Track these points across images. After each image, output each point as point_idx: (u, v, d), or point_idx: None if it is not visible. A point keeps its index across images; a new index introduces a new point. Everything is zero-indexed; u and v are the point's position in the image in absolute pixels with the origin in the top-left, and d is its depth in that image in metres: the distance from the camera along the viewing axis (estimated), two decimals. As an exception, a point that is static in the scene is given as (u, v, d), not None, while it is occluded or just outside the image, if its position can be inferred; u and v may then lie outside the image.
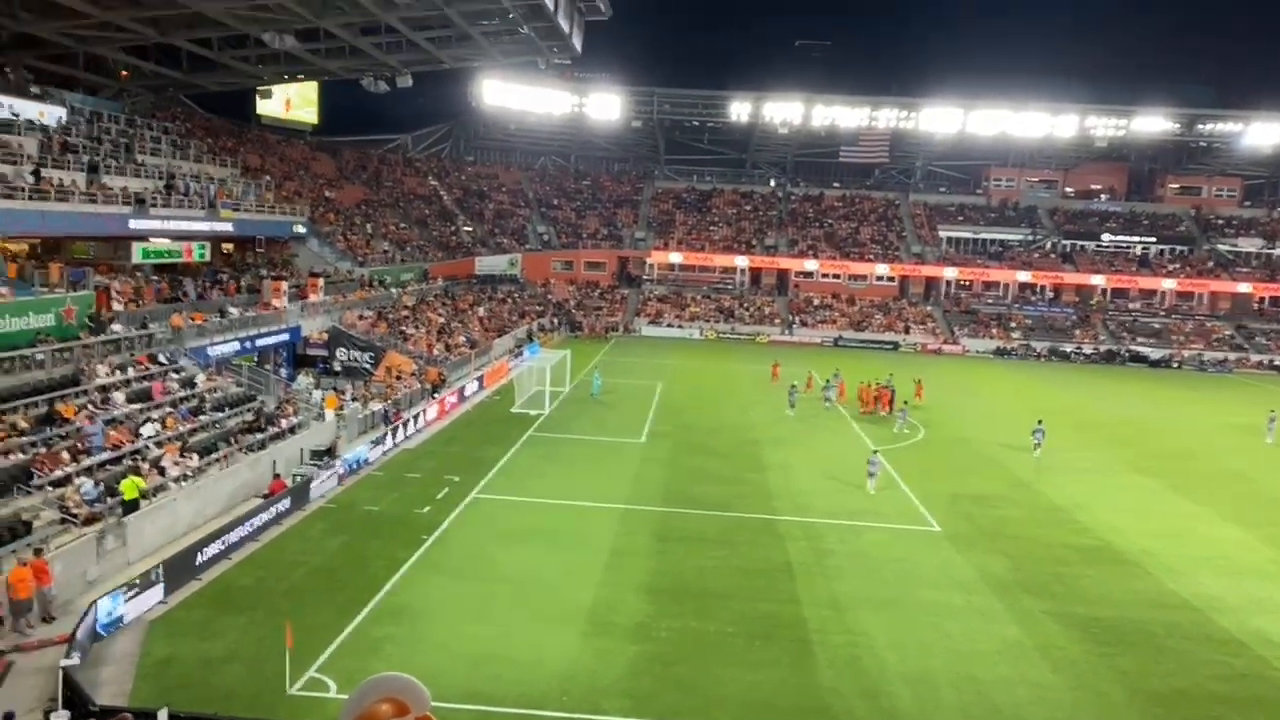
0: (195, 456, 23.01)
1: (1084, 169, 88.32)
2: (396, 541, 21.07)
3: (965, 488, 28.66)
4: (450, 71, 55.98)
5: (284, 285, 38.25)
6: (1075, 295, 76.98)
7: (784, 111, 79.76)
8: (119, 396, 24.18)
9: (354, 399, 33.30)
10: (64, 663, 13.14)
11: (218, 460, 23.75)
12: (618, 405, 39.73)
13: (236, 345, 32.90)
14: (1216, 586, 20.74)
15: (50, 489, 19.01)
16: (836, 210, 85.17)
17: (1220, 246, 79.48)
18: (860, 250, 78.65)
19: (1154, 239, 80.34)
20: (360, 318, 42.57)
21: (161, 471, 21.53)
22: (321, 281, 41.98)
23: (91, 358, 24.95)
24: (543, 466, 28.90)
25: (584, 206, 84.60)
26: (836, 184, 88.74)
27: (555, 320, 67.52)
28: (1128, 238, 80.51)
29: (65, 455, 20.28)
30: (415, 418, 32.74)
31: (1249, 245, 79.23)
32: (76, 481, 19.43)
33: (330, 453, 27.33)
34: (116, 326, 27.24)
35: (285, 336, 37.31)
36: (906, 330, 70.77)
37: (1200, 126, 79.96)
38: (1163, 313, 74.92)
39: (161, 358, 27.66)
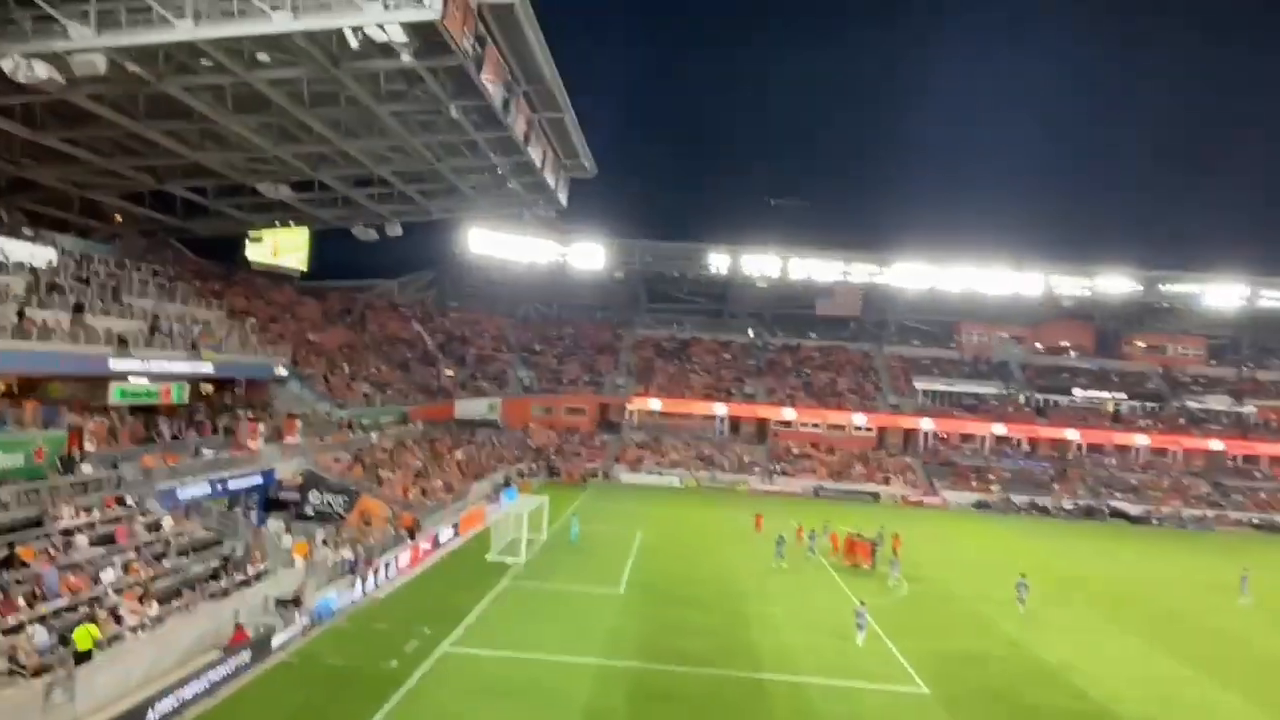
0: (155, 604, 22.05)
1: (1052, 325, 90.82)
2: (360, 699, 19.99)
3: (953, 645, 27.85)
4: (438, 220, 57.69)
5: (260, 426, 37.87)
6: (1052, 448, 77.61)
7: (760, 264, 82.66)
8: (82, 540, 23.36)
9: (325, 544, 32.38)
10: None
11: (178, 608, 22.76)
12: (596, 553, 38.86)
13: (208, 488, 32.17)
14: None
15: (1, 636, 18.06)
16: (814, 360, 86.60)
17: (1190, 404, 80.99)
18: (838, 400, 79.52)
19: (1124, 394, 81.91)
20: (336, 460, 42.00)
21: (118, 620, 20.57)
22: (299, 423, 41.61)
23: (58, 499, 24.27)
24: (517, 618, 27.90)
25: (565, 352, 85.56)
26: (813, 335, 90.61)
27: (534, 466, 66.92)
28: (1099, 393, 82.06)
29: (20, 601, 19.37)
30: (387, 565, 31.79)
31: (1218, 403, 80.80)
32: (30, 629, 18.48)
33: (296, 601, 26.31)
34: (87, 467, 26.67)
35: (258, 479, 36.57)
36: (886, 480, 70.62)
37: (1161, 287, 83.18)
38: (1138, 468, 75.43)
39: (129, 500, 26.95)
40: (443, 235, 76.27)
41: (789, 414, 77.78)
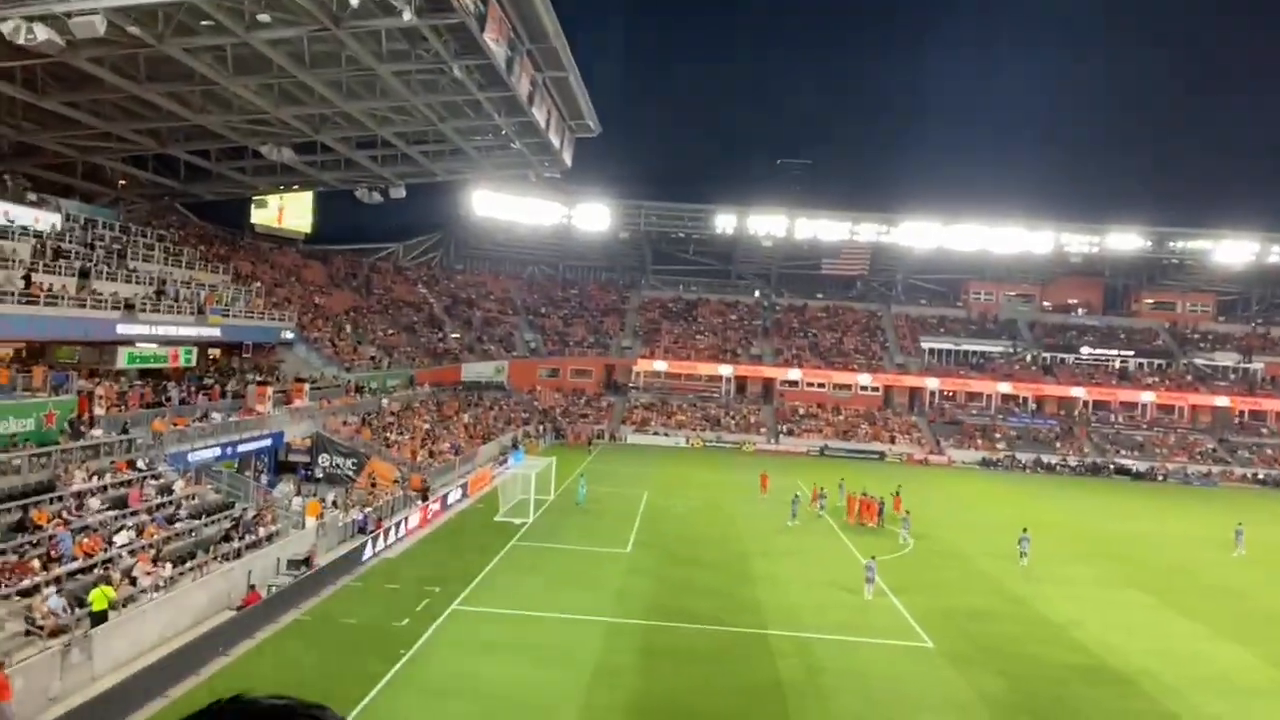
0: (168, 566, 22.37)
1: (1060, 284, 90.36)
2: (373, 656, 20.31)
3: (957, 602, 28.11)
4: (442, 182, 57.36)
5: (269, 390, 38.08)
6: (1058, 407, 77.61)
7: (767, 224, 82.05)
8: (94, 503, 23.65)
9: (335, 506, 32.72)
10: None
11: (192, 570, 23.08)
12: (603, 514, 39.17)
13: (218, 450, 32.47)
14: (1218, 707, 20.18)
15: (18, 598, 18.35)
16: (820, 321, 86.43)
17: (1197, 361, 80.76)
18: (844, 360, 79.47)
19: (1131, 352, 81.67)
20: (344, 423, 42.26)
21: (133, 581, 20.88)
22: (307, 387, 41.82)
23: (70, 463, 24.52)
24: (526, 577, 28.22)
25: (571, 315, 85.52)
26: (820, 295, 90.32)
27: (541, 428, 67.25)
28: (1106, 351, 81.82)
29: (35, 564, 19.66)
30: (397, 526, 32.12)
31: (1226, 360, 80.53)
32: (45, 591, 18.78)
33: (307, 562, 26.64)
34: (97, 431, 26.90)
35: (268, 442, 36.89)
36: (892, 440, 70.81)
37: (1171, 244, 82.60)
38: (1144, 425, 75.45)
39: (140, 463, 27.21)
40: (447, 198, 76.06)
41: (795, 374, 77.81)
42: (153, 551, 22.66)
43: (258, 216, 63.71)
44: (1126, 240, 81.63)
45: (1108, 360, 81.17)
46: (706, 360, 78.99)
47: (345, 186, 51.03)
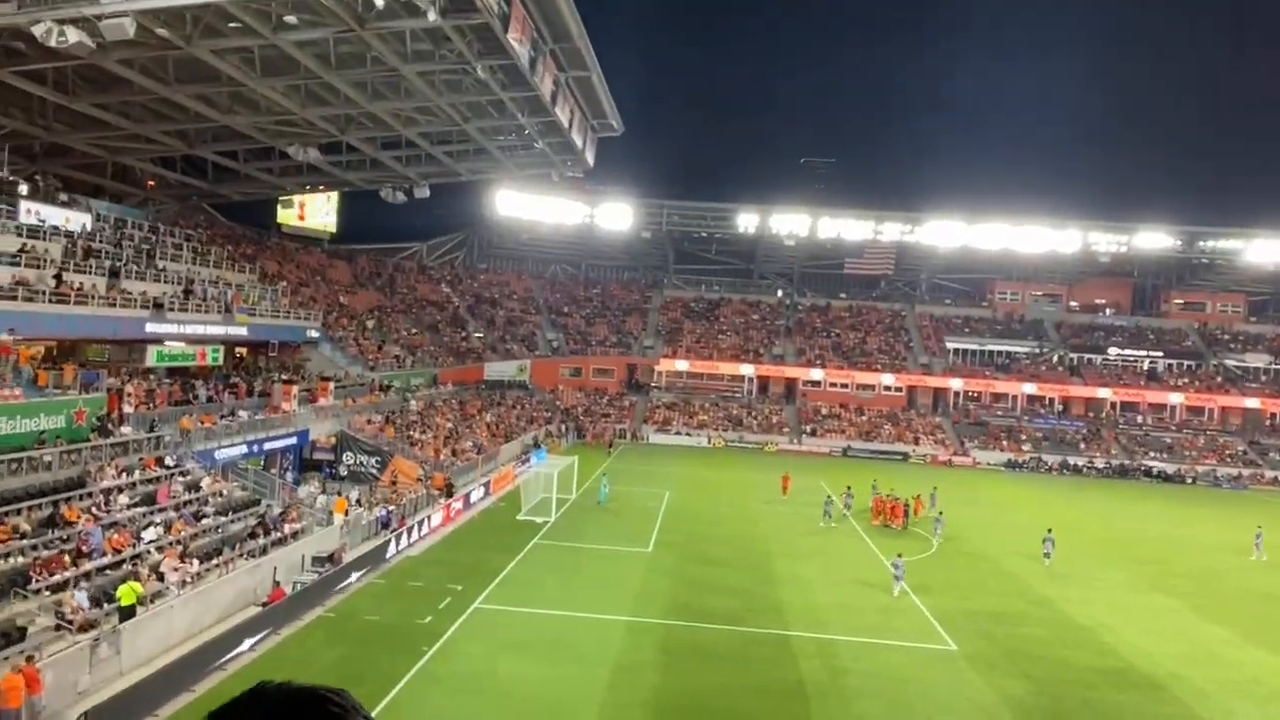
0: (195, 562, 22.63)
1: (1088, 284, 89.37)
2: (396, 653, 20.44)
3: (982, 604, 27.88)
4: (466, 182, 57.63)
5: (294, 389, 38.42)
6: (1085, 408, 76.73)
7: (790, 224, 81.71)
8: (123, 499, 23.98)
9: (359, 504, 32.97)
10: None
11: (218, 566, 23.34)
12: (624, 513, 39.20)
13: (244, 448, 32.81)
14: (1249, 714, 19.88)
15: (48, 593, 18.64)
16: (843, 320, 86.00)
17: (1228, 362, 79.58)
18: (867, 360, 79.01)
19: (1160, 353, 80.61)
20: (369, 422, 42.56)
21: (160, 577, 21.14)
22: (332, 385, 42.15)
23: (99, 460, 24.86)
24: (547, 576, 28.30)
25: (593, 314, 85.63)
26: (843, 295, 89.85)
27: (563, 427, 67.39)
28: (1134, 352, 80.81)
29: (65, 559, 19.96)
30: (420, 524, 32.32)
31: (1257, 360, 79.30)
32: (74, 586, 19.05)
33: (333, 559, 26.86)
34: (126, 429, 27.26)
35: (293, 440, 37.24)
36: (916, 441, 70.34)
37: (1201, 243, 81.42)
38: (1173, 427, 74.44)
39: (168, 460, 27.55)
40: (471, 197, 76.34)
41: (817, 374, 77.46)
42: (180, 548, 22.94)
43: (284, 216, 64.27)
44: (1155, 240, 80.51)
45: (1136, 361, 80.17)
46: (729, 360, 78.81)
47: (370, 186, 51.42)
